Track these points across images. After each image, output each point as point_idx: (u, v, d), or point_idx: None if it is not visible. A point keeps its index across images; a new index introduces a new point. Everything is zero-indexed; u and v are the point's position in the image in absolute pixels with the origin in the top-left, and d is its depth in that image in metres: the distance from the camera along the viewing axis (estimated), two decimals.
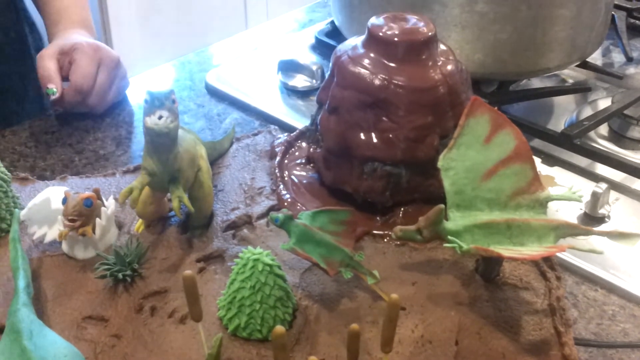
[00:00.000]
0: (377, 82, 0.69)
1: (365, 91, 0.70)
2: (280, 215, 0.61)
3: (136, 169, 0.80)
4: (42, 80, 0.89)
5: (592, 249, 0.61)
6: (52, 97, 0.87)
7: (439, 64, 0.71)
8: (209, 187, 0.70)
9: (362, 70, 0.70)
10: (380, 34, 0.71)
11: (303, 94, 1.00)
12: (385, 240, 0.71)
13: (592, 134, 0.91)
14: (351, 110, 0.71)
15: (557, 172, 0.84)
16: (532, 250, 0.59)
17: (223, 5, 2.34)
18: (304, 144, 0.84)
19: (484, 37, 0.88)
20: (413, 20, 0.73)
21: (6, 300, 0.62)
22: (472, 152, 0.63)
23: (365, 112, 0.70)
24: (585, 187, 0.77)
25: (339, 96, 0.72)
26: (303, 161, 0.81)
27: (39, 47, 1.12)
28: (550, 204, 0.64)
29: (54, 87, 0.87)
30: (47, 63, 0.90)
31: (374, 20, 0.73)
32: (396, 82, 0.69)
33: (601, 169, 0.84)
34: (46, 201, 0.68)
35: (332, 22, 1.12)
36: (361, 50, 0.72)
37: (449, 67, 0.72)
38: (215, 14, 2.31)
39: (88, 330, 0.61)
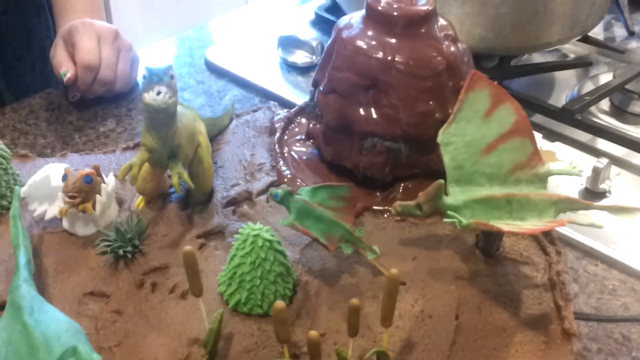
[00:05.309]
0: (375, 64, 0.69)
1: (363, 74, 0.69)
2: (279, 191, 0.61)
3: (136, 146, 0.80)
4: (55, 69, 0.90)
5: (592, 224, 0.61)
6: (66, 78, 0.87)
7: (442, 46, 0.70)
8: (208, 164, 0.70)
9: (360, 53, 0.69)
10: (379, 8, 0.70)
11: (303, 70, 0.99)
12: (385, 215, 0.71)
13: (593, 109, 0.91)
14: (349, 91, 0.70)
15: (558, 147, 0.84)
16: (532, 224, 0.59)
17: None
18: (303, 120, 0.83)
19: (485, 12, 0.88)
20: None
21: (7, 277, 0.63)
22: (471, 127, 0.63)
23: (365, 91, 0.70)
24: (586, 162, 0.77)
25: (335, 78, 0.71)
26: (303, 137, 0.81)
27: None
28: (551, 179, 0.64)
29: (65, 69, 0.88)
30: (56, 53, 0.90)
31: None
32: (396, 64, 0.68)
33: (602, 144, 0.84)
34: (46, 178, 0.68)
35: None
36: (359, 28, 0.71)
37: (452, 49, 0.70)
38: None
39: (89, 306, 0.61)
